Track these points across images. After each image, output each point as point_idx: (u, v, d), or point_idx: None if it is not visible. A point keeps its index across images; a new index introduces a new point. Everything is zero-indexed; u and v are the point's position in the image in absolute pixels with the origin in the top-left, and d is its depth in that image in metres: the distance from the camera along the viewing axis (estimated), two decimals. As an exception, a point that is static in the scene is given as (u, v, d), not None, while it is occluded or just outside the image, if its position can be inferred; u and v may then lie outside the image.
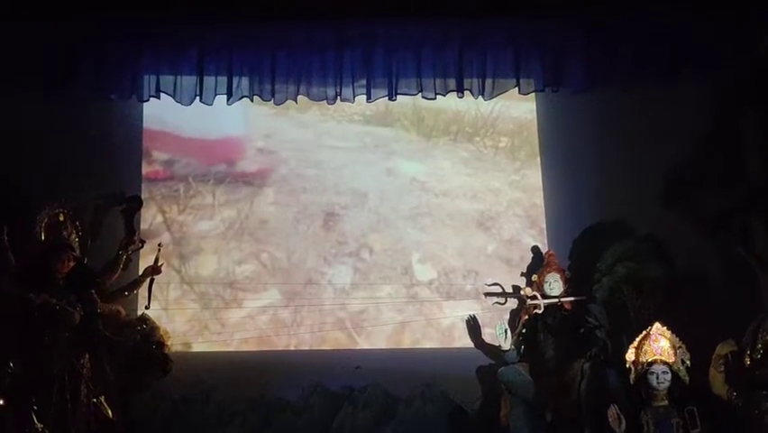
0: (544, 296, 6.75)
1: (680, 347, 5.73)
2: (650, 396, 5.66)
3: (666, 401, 5.63)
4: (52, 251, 6.17)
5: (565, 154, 7.87)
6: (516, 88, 7.34)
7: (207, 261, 7.78)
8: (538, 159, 8.09)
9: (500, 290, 7.03)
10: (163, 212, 7.82)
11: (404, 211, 7.99)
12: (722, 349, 5.89)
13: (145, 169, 7.87)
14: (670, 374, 5.63)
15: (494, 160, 8.19)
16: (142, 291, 6.72)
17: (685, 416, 5.55)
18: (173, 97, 7.19)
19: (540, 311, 6.70)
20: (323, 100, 7.33)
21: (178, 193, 7.91)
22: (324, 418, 7.00)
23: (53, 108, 7.13)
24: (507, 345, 6.64)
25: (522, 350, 6.69)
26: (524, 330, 6.71)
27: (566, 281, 6.82)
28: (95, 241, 6.65)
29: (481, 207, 8.01)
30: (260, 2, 6.88)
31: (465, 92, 7.25)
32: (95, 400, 6.02)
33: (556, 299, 6.73)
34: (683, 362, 5.70)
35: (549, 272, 6.82)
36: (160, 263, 6.73)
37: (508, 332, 6.66)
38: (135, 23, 7.00)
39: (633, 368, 5.79)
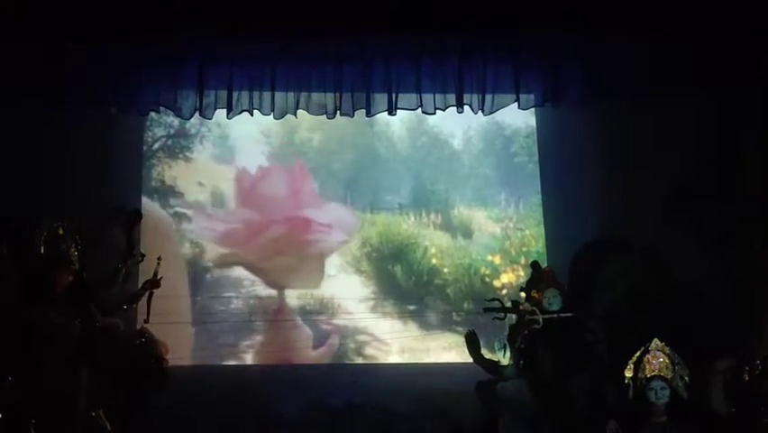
0: (543, 311, 6.74)
1: (678, 363, 5.70)
2: (649, 412, 5.63)
3: (665, 417, 5.59)
4: (51, 265, 6.15)
5: (564, 168, 7.88)
6: (516, 103, 7.36)
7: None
8: (538, 173, 8.12)
9: (500, 306, 7.01)
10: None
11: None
12: (720, 364, 5.87)
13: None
14: (668, 390, 5.59)
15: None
16: (141, 305, 6.71)
17: (684, 432, 5.54)
18: (173, 111, 7.22)
19: (539, 327, 6.69)
20: (322, 114, 7.34)
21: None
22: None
23: (53, 122, 7.14)
24: (505, 360, 6.64)
25: (521, 365, 6.67)
26: (523, 346, 6.69)
27: (565, 297, 6.81)
28: (94, 255, 6.64)
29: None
30: (260, 16, 6.90)
31: (465, 107, 7.26)
32: (93, 413, 6.00)
33: (555, 315, 6.71)
34: (682, 378, 5.67)
35: (548, 288, 6.81)
36: (159, 277, 6.72)
37: (507, 347, 6.66)
38: (135, 38, 7.02)
39: (632, 384, 5.75)
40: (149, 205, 7.96)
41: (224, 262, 7.99)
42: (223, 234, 8.03)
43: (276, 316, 7.86)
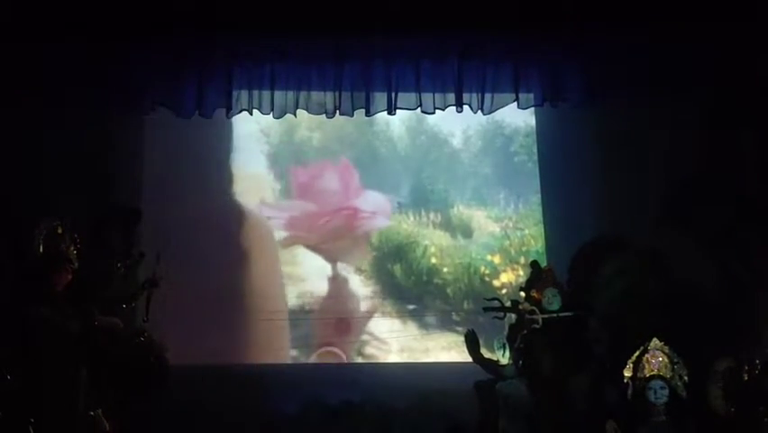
0: (543, 311, 6.73)
1: (677, 363, 5.71)
2: (648, 411, 5.64)
3: (664, 417, 5.60)
4: (50, 263, 6.15)
5: (564, 168, 7.88)
6: (515, 103, 7.36)
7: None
8: (537, 172, 8.12)
9: (499, 305, 7.01)
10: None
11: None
12: (719, 364, 5.88)
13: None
14: (667, 390, 5.59)
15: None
16: (140, 304, 6.70)
17: (683, 431, 5.54)
18: (173, 111, 7.22)
19: (538, 326, 6.69)
20: (322, 114, 7.34)
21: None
22: (322, 432, 6.99)
23: (53, 121, 7.14)
24: (505, 360, 6.64)
25: (520, 365, 6.67)
26: (522, 345, 6.69)
27: (565, 296, 6.80)
28: (93, 253, 6.63)
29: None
30: (260, 15, 6.90)
31: (464, 106, 7.26)
32: (92, 412, 6.00)
33: (555, 314, 6.71)
34: (681, 377, 5.67)
35: (547, 287, 6.81)
36: (158, 276, 6.71)
37: (507, 347, 6.65)
38: (135, 38, 7.02)
39: (631, 383, 5.76)
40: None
41: (289, 243, 8.35)
42: (287, 220, 8.41)
43: (331, 281, 8.22)
